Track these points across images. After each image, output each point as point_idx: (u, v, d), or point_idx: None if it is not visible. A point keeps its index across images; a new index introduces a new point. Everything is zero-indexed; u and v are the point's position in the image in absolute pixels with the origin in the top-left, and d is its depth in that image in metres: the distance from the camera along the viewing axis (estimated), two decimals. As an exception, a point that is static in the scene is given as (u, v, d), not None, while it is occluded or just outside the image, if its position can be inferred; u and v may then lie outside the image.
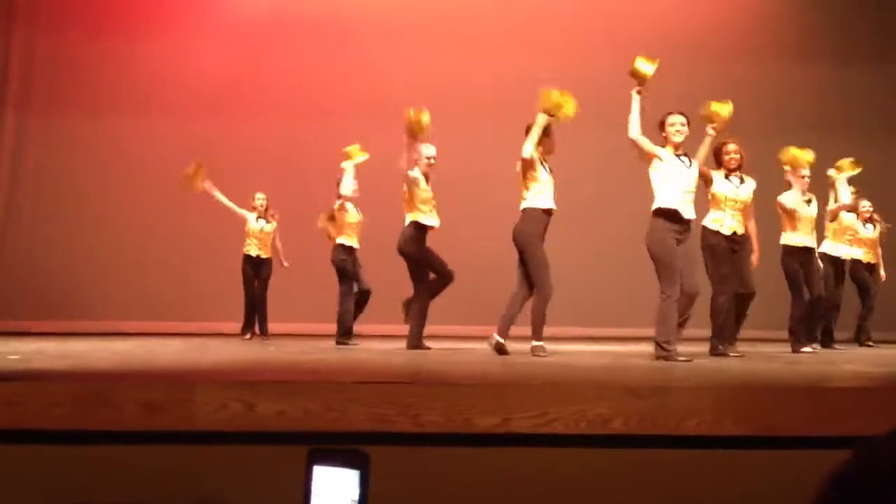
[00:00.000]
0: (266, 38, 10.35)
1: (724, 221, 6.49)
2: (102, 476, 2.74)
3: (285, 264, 8.71)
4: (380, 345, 7.54)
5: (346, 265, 7.75)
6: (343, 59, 10.33)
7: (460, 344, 7.43)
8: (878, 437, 0.90)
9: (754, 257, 6.85)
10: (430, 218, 7.14)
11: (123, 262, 9.91)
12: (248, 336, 8.53)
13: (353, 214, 7.88)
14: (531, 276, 6.28)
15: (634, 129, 5.90)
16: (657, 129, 6.14)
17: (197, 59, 10.20)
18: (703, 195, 6.54)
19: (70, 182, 10.11)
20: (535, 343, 6.22)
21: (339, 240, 7.80)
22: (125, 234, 9.98)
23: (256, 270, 8.67)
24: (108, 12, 10.23)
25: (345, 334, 7.65)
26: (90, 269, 9.85)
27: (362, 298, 7.94)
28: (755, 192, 6.70)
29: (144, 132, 10.11)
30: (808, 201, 7.49)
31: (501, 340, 6.26)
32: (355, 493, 1.02)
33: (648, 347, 6.23)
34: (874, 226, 8.85)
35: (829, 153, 9.07)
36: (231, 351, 6.37)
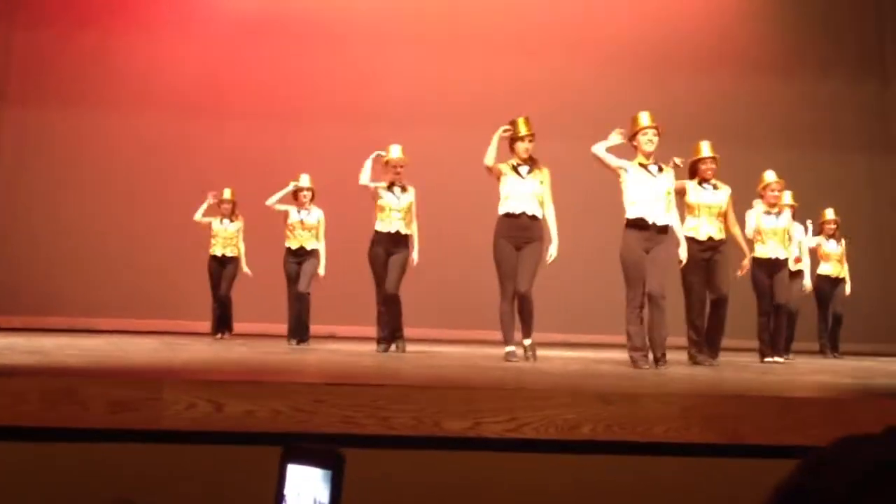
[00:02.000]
0: (248, 39, 10.31)
1: (700, 228, 6.60)
2: (68, 474, 2.72)
3: (246, 271, 8.66)
4: (353, 346, 7.53)
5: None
6: (325, 61, 10.32)
7: (434, 347, 7.43)
8: (824, 449, 0.91)
9: (745, 262, 6.95)
10: (380, 224, 7.17)
11: (98, 259, 9.84)
12: (219, 336, 8.49)
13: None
14: None
15: (597, 147, 6.07)
16: (628, 141, 6.20)
17: (177, 57, 10.15)
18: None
19: (45, 178, 10.02)
20: (505, 349, 6.23)
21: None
22: (100, 230, 9.91)
23: (222, 269, 8.65)
24: (88, 9, 10.15)
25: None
26: (64, 265, 9.78)
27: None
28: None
29: (122, 129, 10.05)
30: (777, 214, 7.54)
31: (506, 349, 6.24)
32: (326, 493, 1.01)
33: (621, 354, 6.26)
34: (838, 241, 8.92)
35: (790, 164, 9.20)
36: (202, 350, 6.33)
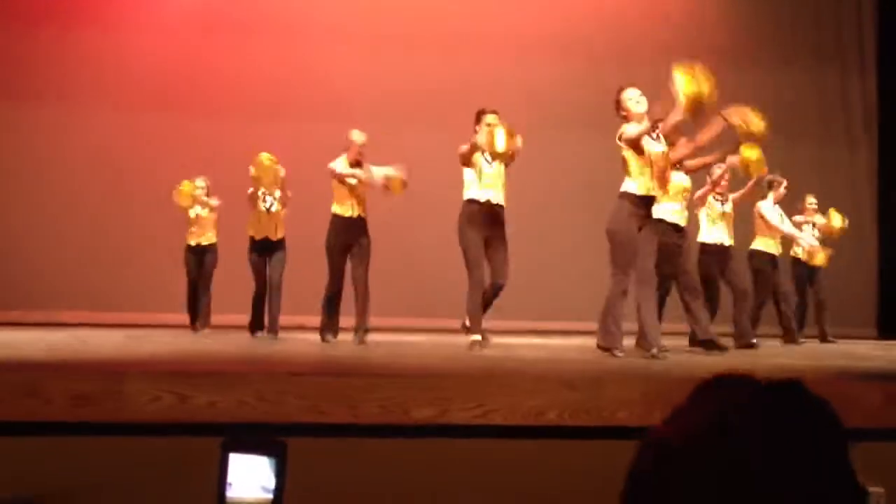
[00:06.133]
0: (208, 32, 10.21)
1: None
2: (30, 467, 2.69)
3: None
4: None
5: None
6: (285, 55, 10.23)
7: (401, 337, 7.43)
8: (662, 425, 0.93)
9: None
10: (343, 209, 7.06)
11: (63, 252, 9.70)
12: (195, 328, 8.38)
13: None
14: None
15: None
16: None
17: (140, 51, 10.01)
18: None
19: (8, 172, 9.87)
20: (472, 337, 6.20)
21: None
22: (66, 223, 9.77)
23: (198, 259, 8.49)
24: (47, 3, 9.99)
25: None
26: (31, 259, 9.63)
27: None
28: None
29: (84, 122, 9.90)
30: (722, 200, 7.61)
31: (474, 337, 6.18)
32: (271, 481, 1.02)
33: (587, 341, 6.29)
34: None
35: (769, 156, 9.27)
36: (168, 342, 6.29)
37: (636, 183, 5.64)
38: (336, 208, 7.07)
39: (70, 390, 2.78)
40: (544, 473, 3.12)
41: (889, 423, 3.25)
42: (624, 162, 5.70)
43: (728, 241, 7.50)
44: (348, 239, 7.02)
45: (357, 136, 7.14)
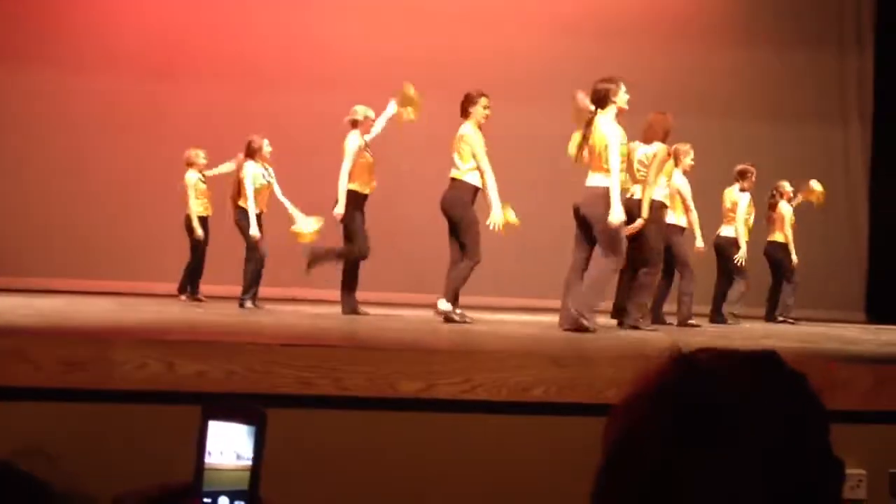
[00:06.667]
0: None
1: None
2: (15, 432, 2.70)
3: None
4: (311, 309, 7.51)
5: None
6: (289, 25, 10.15)
7: (391, 310, 7.43)
8: (633, 400, 0.93)
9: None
10: (362, 186, 7.09)
11: (55, 219, 9.66)
12: (183, 297, 8.38)
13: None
14: (463, 241, 6.30)
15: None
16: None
17: (136, 16, 9.92)
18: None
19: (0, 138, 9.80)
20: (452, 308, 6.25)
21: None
22: (58, 190, 9.71)
23: (205, 230, 8.50)
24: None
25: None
26: (21, 225, 9.58)
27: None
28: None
29: (76, 87, 9.83)
30: None
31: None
32: (249, 449, 1.02)
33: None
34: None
35: (749, 136, 9.28)
36: (157, 310, 6.27)
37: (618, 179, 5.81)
38: (357, 186, 7.05)
39: (58, 356, 2.78)
40: (529, 449, 3.14)
41: (879, 405, 3.28)
42: (601, 157, 5.75)
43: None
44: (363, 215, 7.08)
45: (367, 111, 7.18)
